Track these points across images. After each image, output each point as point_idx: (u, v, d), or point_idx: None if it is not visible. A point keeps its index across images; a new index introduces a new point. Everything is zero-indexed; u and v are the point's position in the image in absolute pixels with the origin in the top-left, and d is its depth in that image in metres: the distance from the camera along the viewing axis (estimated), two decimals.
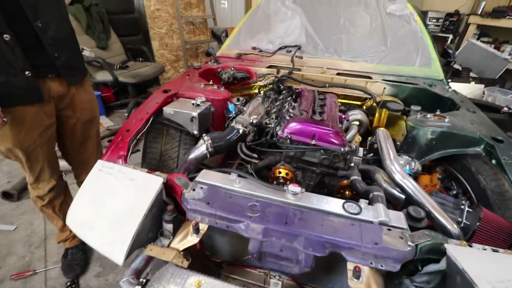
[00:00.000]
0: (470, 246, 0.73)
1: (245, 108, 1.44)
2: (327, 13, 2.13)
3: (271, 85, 1.65)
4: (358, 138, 1.37)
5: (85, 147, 1.56)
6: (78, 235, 0.87)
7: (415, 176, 1.20)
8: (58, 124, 1.39)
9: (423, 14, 4.13)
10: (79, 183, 1.66)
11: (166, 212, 0.91)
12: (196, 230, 0.85)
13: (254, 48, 2.10)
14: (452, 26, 4.69)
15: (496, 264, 0.67)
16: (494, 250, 0.72)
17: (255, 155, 1.19)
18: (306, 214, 0.84)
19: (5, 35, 1.06)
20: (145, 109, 1.26)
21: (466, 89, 3.51)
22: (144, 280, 0.84)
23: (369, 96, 1.62)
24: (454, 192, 1.24)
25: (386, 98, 1.60)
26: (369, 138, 1.39)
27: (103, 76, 3.30)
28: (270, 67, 1.89)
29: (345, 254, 0.77)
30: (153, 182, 0.89)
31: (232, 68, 1.81)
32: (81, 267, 1.71)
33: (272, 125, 1.26)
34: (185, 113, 1.26)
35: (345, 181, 1.10)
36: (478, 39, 4.57)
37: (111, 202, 0.88)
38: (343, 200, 0.89)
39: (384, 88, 1.69)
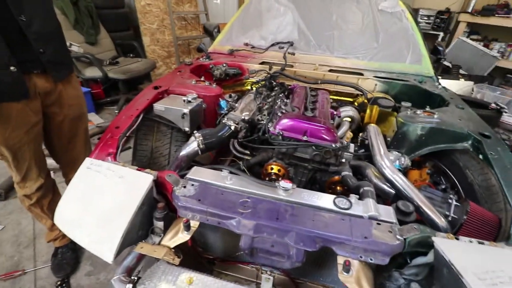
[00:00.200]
0: (457, 239, 0.75)
1: (237, 105, 1.43)
2: (320, 9, 2.13)
3: (264, 82, 1.65)
4: (350, 134, 1.38)
5: (73, 144, 1.53)
6: (66, 234, 0.86)
7: (405, 171, 1.22)
8: (45, 121, 1.36)
9: (415, 12, 4.16)
10: (68, 182, 1.63)
11: (156, 210, 0.90)
12: (187, 227, 0.85)
13: (246, 44, 2.09)
14: (443, 24, 4.76)
15: (481, 256, 0.69)
16: (480, 243, 0.74)
17: (248, 152, 1.19)
18: (297, 209, 0.84)
19: None
20: (135, 105, 1.24)
21: (456, 86, 3.57)
22: (136, 278, 0.83)
23: (361, 93, 1.63)
24: (443, 186, 1.26)
25: (377, 94, 1.62)
26: (360, 134, 1.41)
27: (92, 72, 3.24)
28: (262, 63, 1.88)
29: (336, 249, 0.78)
30: (143, 180, 0.88)
31: (224, 64, 1.80)
32: (71, 266, 1.69)
33: (264, 122, 1.26)
34: (176, 110, 1.25)
35: (337, 177, 1.11)
36: (468, 36, 4.65)
37: (100, 200, 0.86)
38: (334, 196, 0.90)
39: (376, 84, 1.71)
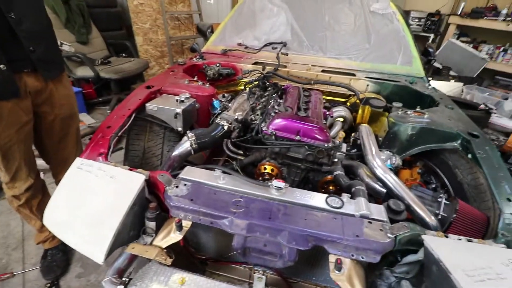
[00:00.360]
0: (447, 237, 0.76)
1: (230, 105, 1.43)
2: (312, 10, 2.15)
3: (257, 82, 1.65)
4: (342, 134, 1.39)
5: (64, 144, 1.50)
6: (56, 235, 0.84)
7: (396, 171, 1.24)
8: (35, 121, 1.33)
9: (406, 14, 4.23)
10: (58, 182, 1.60)
11: (148, 210, 0.89)
12: (179, 227, 0.84)
13: (239, 45, 2.09)
14: (434, 26, 4.84)
15: (470, 254, 0.70)
16: (468, 240, 0.75)
17: (241, 152, 1.19)
18: (290, 209, 0.84)
19: None
20: (127, 105, 1.23)
21: (446, 87, 3.64)
22: (127, 279, 0.82)
23: (353, 93, 1.65)
24: (433, 185, 1.29)
25: (369, 95, 1.64)
26: (353, 134, 1.42)
27: (84, 71, 3.19)
28: (255, 63, 1.89)
29: (328, 247, 0.78)
30: (135, 180, 0.87)
31: (218, 64, 1.79)
32: (61, 268, 1.66)
33: (258, 122, 1.26)
34: (169, 110, 1.24)
35: (329, 176, 1.11)
36: (458, 38, 4.74)
37: (90, 200, 0.85)
38: (326, 195, 0.90)
39: (368, 85, 1.73)
